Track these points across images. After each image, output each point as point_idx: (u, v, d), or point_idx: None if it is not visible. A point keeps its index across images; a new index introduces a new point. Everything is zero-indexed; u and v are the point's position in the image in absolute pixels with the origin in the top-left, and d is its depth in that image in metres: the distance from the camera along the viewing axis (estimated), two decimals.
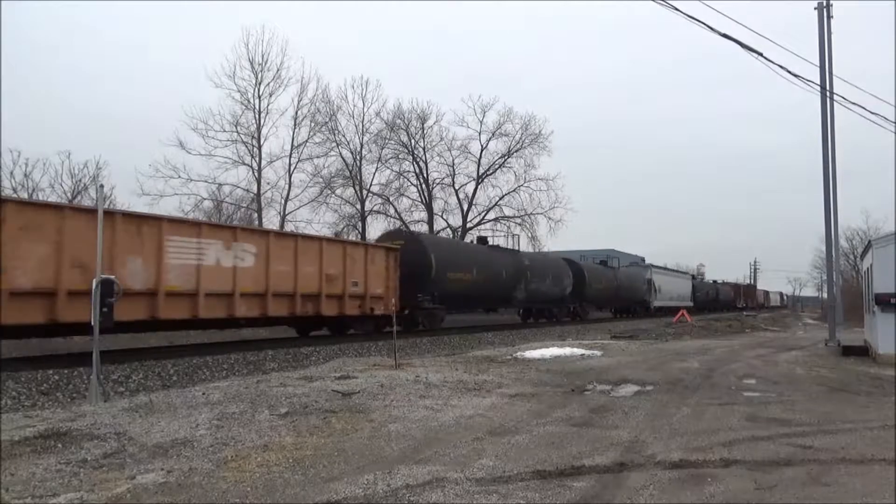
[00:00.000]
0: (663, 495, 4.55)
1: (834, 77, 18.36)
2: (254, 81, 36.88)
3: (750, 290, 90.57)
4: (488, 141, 45.98)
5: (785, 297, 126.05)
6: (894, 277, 13.08)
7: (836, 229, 19.65)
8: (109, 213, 12.32)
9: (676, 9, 10.44)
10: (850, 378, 11.31)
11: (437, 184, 45.82)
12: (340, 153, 41.69)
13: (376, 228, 42.19)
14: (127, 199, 49.55)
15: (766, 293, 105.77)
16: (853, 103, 15.64)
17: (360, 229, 42.21)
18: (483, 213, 46.38)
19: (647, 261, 65.63)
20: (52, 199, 33.58)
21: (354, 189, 42.55)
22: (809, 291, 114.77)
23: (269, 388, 8.70)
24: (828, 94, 18.02)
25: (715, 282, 76.83)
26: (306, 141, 39.05)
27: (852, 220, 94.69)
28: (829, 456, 5.66)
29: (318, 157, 40.11)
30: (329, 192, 40.99)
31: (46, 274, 11.16)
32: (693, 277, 67.15)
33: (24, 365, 11.07)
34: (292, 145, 38.59)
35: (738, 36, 12.21)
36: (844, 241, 61.27)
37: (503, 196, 46.12)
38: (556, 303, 33.12)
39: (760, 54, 12.54)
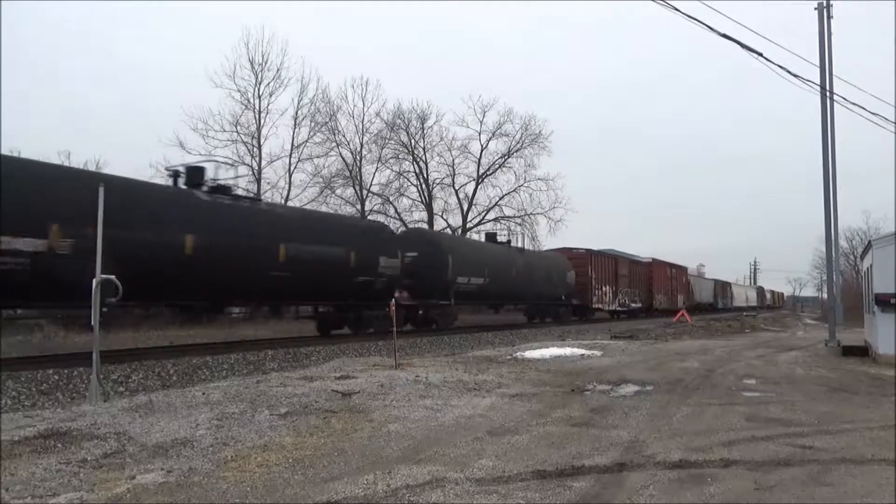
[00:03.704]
0: (663, 495, 4.54)
1: (834, 77, 18.36)
2: (254, 81, 36.94)
3: (670, 275, 47.80)
4: (488, 141, 46.04)
5: (769, 296, 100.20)
6: (894, 277, 13.08)
7: (836, 229, 19.64)
8: None
9: (676, 9, 10.44)
10: (850, 378, 11.30)
11: (437, 184, 45.91)
12: (340, 153, 41.76)
13: None
14: None
15: (726, 286, 67.98)
16: (853, 103, 15.66)
17: None
18: (483, 213, 46.49)
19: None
20: None
21: (354, 189, 42.61)
22: (809, 291, 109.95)
23: (268, 388, 8.69)
24: (828, 94, 18.00)
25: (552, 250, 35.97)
26: (306, 141, 39.13)
27: (852, 220, 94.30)
28: (829, 456, 5.65)
29: (318, 157, 40.21)
30: (329, 192, 41.02)
31: None
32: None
33: (24, 365, 11.08)
34: (292, 145, 38.67)
35: (738, 36, 12.22)
36: (844, 241, 61.19)
37: (503, 196, 46.21)
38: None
39: (760, 54, 12.54)
